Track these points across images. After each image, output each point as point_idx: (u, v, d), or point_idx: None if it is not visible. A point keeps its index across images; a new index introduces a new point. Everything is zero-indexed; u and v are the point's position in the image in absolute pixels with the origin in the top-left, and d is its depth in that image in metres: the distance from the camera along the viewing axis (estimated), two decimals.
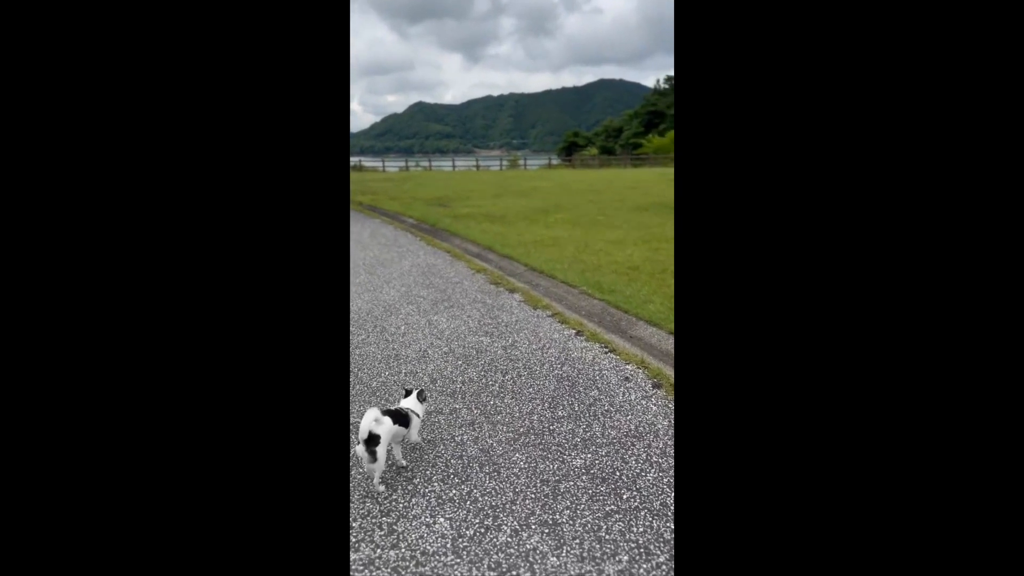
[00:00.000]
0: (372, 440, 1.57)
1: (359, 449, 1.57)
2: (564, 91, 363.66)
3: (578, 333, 2.79)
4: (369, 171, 22.55)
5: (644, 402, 2.06)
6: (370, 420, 1.56)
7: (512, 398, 2.11)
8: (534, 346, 2.65)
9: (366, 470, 1.65)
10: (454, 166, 26.08)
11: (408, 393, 1.87)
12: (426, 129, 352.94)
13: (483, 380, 2.28)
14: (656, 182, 12.70)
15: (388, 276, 4.13)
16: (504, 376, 2.31)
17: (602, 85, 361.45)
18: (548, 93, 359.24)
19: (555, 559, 1.29)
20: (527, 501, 1.50)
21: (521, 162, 27.98)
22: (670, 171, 17.32)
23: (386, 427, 1.60)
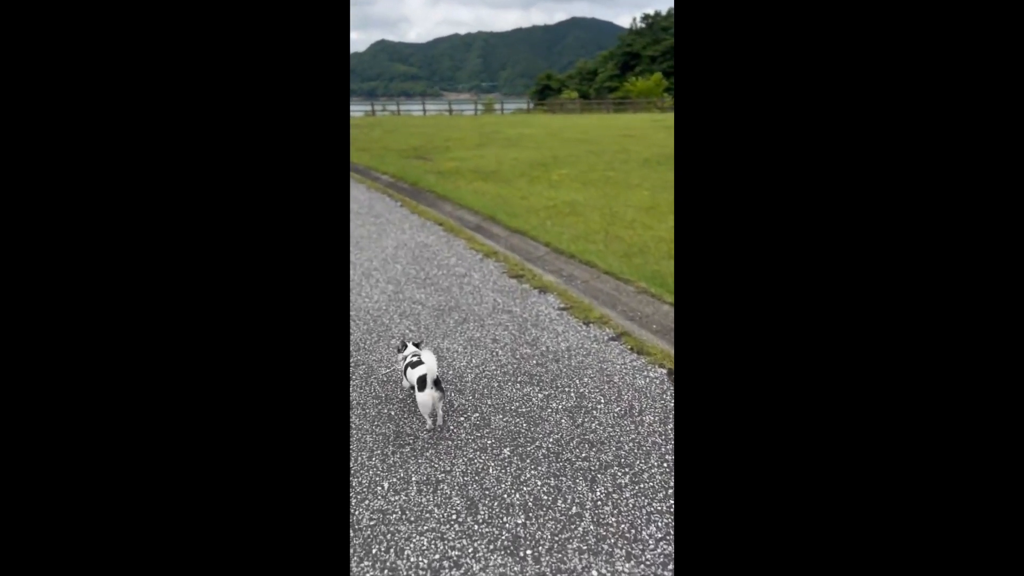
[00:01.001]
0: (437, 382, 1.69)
1: (427, 394, 1.62)
2: (535, 30, 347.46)
3: (671, 373, 1.84)
4: None
5: None
6: (434, 363, 1.71)
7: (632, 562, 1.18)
8: (615, 405, 1.71)
9: (431, 410, 1.65)
10: (424, 110, 24.03)
11: (407, 346, 1.86)
12: (391, 70, 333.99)
13: (562, 508, 1.33)
14: (651, 129, 11.54)
15: (367, 266, 3.07)
16: (593, 493, 1.36)
17: (574, 24, 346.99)
18: (518, 32, 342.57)
19: None
20: None
21: (497, 106, 26.08)
22: (659, 116, 16.13)
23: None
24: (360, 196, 4.99)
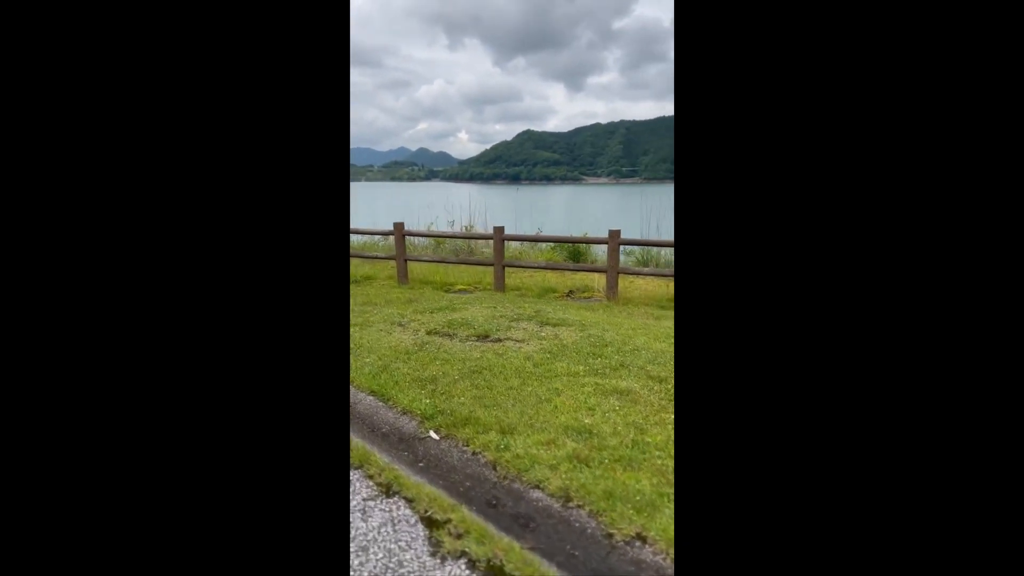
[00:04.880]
0: None
1: None
2: None
3: None
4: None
5: None
6: None
7: None
8: None
9: None
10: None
11: None
12: (534, 156, 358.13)
13: None
14: None
15: None
16: None
17: None
18: (661, 120, 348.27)
19: None
20: None
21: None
22: None
23: None
24: None
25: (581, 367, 3.77)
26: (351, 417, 3.12)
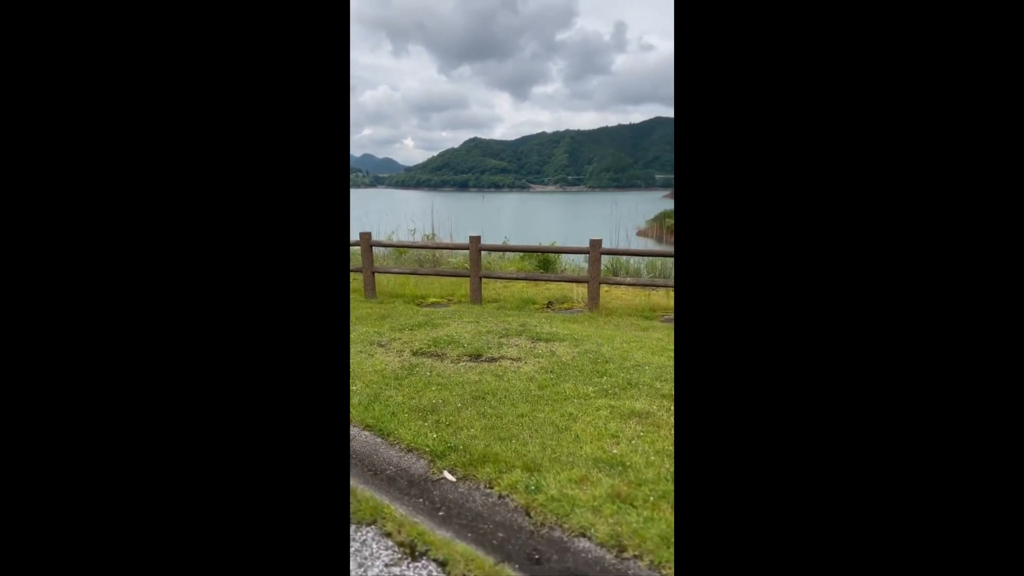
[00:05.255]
0: None
1: None
2: (620, 128, 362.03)
3: None
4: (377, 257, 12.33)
5: None
6: None
7: None
8: None
9: None
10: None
11: None
12: (482, 164, 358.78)
13: None
14: None
15: None
16: None
17: (659, 123, 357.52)
18: (604, 130, 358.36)
19: None
20: None
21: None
22: None
23: None
24: None
25: (589, 388, 3.54)
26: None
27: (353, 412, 3.16)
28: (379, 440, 2.89)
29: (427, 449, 2.73)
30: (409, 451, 2.76)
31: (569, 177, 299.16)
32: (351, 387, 3.54)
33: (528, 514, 2.23)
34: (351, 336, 4.85)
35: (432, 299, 6.89)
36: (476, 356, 4.19)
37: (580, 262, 8.87)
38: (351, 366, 3.95)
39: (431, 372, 3.84)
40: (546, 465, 2.55)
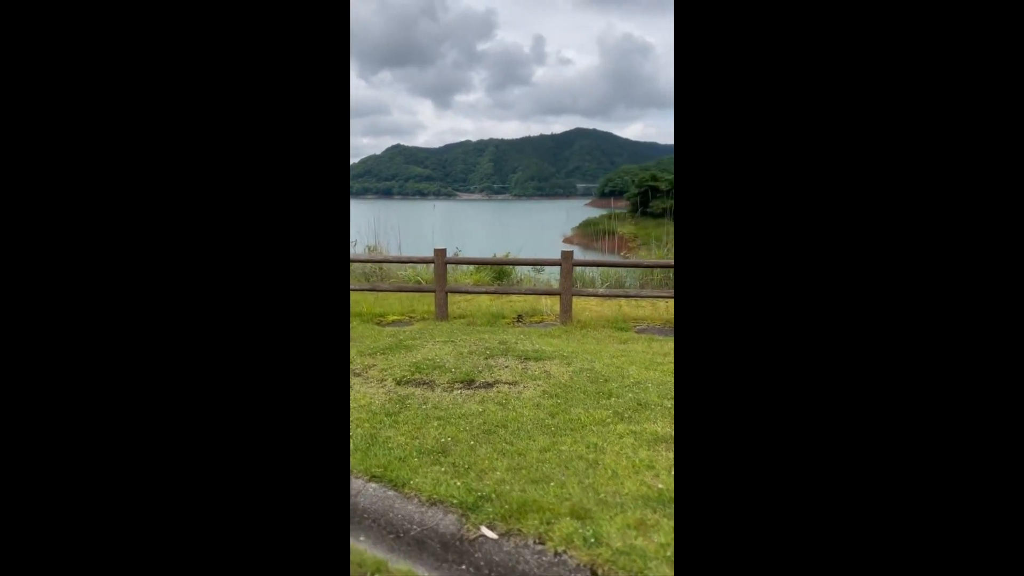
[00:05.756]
0: None
1: None
2: (543, 138, 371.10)
3: None
4: None
5: None
6: None
7: None
8: None
9: None
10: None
11: None
12: (406, 171, 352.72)
13: None
14: None
15: None
16: None
17: (580, 133, 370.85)
18: (527, 139, 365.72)
19: None
20: None
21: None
22: None
23: None
24: None
25: (601, 412, 3.33)
26: (358, 516, 2.31)
27: (352, 460, 2.71)
28: (392, 493, 2.48)
29: (453, 500, 2.38)
30: (432, 504, 2.39)
31: (495, 185, 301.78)
32: None
33: (596, 574, 1.95)
34: None
35: (392, 317, 6.42)
36: (469, 382, 3.84)
37: (530, 272, 8.70)
38: None
39: (425, 404, 3.45)
40: (595, 509, 2.29)
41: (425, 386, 3.78)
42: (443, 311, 6.17)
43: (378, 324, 6.14)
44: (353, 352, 4.70)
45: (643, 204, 48.73)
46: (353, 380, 3.92)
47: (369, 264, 8.17)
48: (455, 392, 3.66)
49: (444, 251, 6.12)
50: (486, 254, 9.13)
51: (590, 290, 6.01)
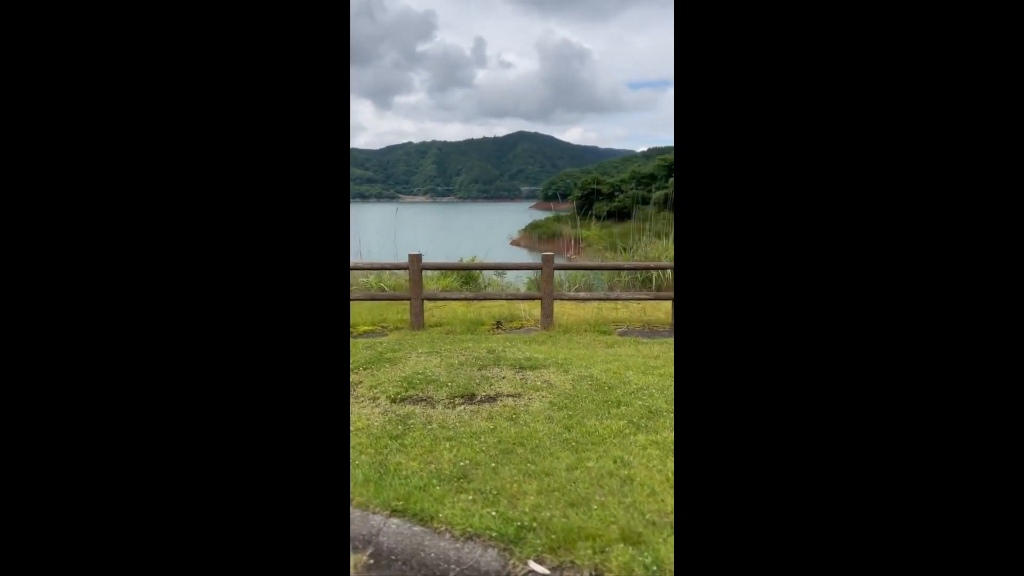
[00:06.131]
0: None
1: None
2: (485, 140, 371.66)
3: None
4: None
5: None
6: None
7: None
8: None
9: None
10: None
11: None
12: None
13: None
14: None
15: None
16: None
17: (522, 136, 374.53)
18: (470, 142, 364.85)
19: None
20: None
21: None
22: None
23: None
24: None
25: (616, 422, 3.21)
26: (384, 558, 2.05)
27: (365, 493, 2.43)
28: (419, 528, 2.23)
29: (491, 533, 2.16)
30: (467, 538, 2.16)
31: (438, 188, 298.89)
32: None
33: None
34: None
35: (363, 327, 6.05)
36: (469, 397, 3.62)
37: (495, 276, 8.52)
38: None
39: (430, 423, 3.20)
40: (646, 532, 2.15)
41: (424, 403, 3.51)
42: (419, 320, 5.88)
43: (351, 336, 5.75)
44: None
45: (588, 207, 49.75)
46: None
47: None
48: (458, 408, 3.42)
49: (419, 256, 5.83)
50: (440, 258, 8.88)
51: (571, 293, 5.90)
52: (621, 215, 26.20)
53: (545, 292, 5.80)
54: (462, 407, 3.44)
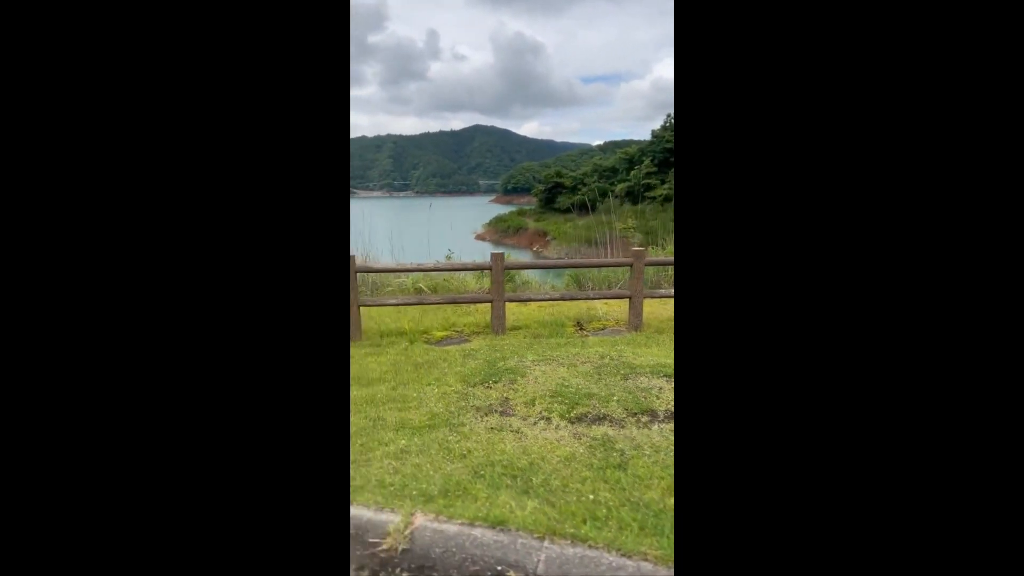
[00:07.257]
0: None
1: None
2: (442, 134, 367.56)
3: None
4: None
5: None
6: None
7: None
8: None
9: None
10: None
11: None
12: None
13: None
14: None
15: None
16: None
17: (478, 130, 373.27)
18: (427, 136, 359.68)
19: None
20: None
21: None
22: None
23: None
24: None
25: None
26: None
27: (646, 542, 2.01)
28: None
29: None
30: None
31: (395, 182, 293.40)
32: (548, 481, 2.32)
33: None
34: (419, 415, 3.45)
35: (439, 333, 5.52)
36: (651, 413, 3.23)
37: (469, 278, 7.98)
38: (528, 447, 2.67)
39: (640, 448, 2.79)
40: None
41: (607, 422, 3.10)
42: (501, 323, 5.41)
43: (427, 343, 5.23)
44: (453, 381, 3.85)
45: (551, 200, 49.67)
46: (508, 420, 3.13)
47: (378, 275, 7.14)
48: (652, 428, 3.02)
49: (502, 255, 5.36)
50: (422, 253, 8.38)
51: (660, 292, 5.58)
52: (582, 208, 26.19)
53: (635, 290, 5.45)
54: (656, 425, 3.05)
